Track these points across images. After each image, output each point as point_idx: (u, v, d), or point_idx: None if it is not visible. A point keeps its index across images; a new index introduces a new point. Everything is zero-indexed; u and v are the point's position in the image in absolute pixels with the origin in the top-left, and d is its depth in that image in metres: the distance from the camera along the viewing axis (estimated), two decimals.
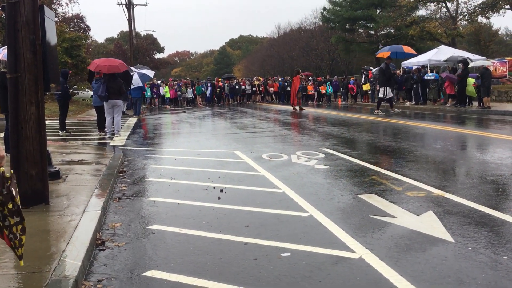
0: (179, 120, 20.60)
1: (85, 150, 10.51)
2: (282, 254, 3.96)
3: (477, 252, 3.89)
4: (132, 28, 43.92)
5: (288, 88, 33.22)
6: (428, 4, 39.03)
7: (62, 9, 40.05)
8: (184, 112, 26.62)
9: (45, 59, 5.79)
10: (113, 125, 14.02)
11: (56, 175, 6.79)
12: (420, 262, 3.71)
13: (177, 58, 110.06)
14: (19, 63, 5.27)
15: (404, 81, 24.22)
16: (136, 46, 52.01)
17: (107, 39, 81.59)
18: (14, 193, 2.79)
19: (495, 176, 6.75)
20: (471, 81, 20.30)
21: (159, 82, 36.13)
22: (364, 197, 5.77)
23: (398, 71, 26.18)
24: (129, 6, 43.25)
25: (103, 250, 4.22)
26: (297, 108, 23.78)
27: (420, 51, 31.96)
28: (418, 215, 4.96)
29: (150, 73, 24.09)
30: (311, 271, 3.60)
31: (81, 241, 4.11)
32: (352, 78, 34.31)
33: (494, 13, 34.17)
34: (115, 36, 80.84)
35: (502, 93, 23.26)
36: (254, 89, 37.10)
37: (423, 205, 5.31)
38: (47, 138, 6.02)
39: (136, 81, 21.48)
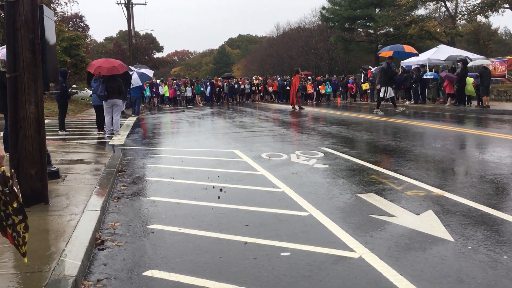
0: (178, 120, 20.59)
1: (84, 149, 10.50)
2: (282, 254, 3.96)
3: (477, 251, 3.89)
4: (131, 28, 43.89)
5: (288, 88, 33.24)
6: (427, 3, 39.03)
7: (61, 8, 40.07)
8: (183, 111, 26.61)
9: (44, 58, 5.78)
10: (112, 125, 14.01)
11: (56, 175, 6.78)
12: (420, 262, 3.71)
13: (176, 57, 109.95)
14: (18, 62, 5.26)
15: (403, 80, 24.22)
16: (135, 46, 51.97)
17: (106, 39, 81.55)
18: (17, 191, 2.80)
19: (494, 175, 6.75)
20: (470, 80, 20.31)
21: (158, 81, 36.10)
22: (363, 196, 5.77)
23: (397, 70, 26.18)
24: (128, 5, 43.21)
25: (102, 249, 4.21)
26: (297, 107, 23.77)
27: (419, 50, 31.87)
28: (417, 214, 4.96)
29: (150, 72, 24.10)
30: (311, 271, 3.60)
31: (80, 241, 4.11)
32: (351, 77, 34.32)
33: (493, 12, 34.14)
34: (114, 35, 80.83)
35: (501, 92, 23.28)
36: (253, 88, 37.10)
37: (422, 205, 5.31)
38: (46, 137, 6.01)
39: (135, 81, 21.49)
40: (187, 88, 35.28)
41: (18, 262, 3.71)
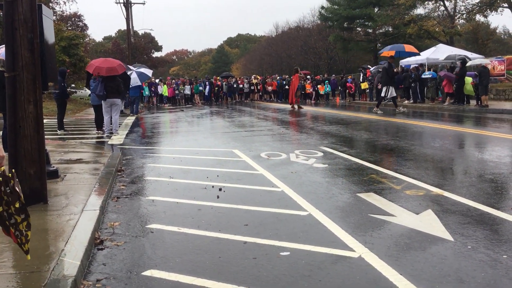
0: (177, 119, 20.58)
1: (83, 149, 10.49)
2: (282, 253, 3.96)
3: (477, 250, 3.89)
4: (130, 27, 43.83)
5: (287, 87, 33.24)
6: (426, 2, 39.06)
7: (60, 7, 39.97)
8: (182, 110, 26.60)
9: (43, 57, 5.76)
10: (111, 124, 14.00)
11: (54, 174, 6.77)
12: (419, 261, 3.71)
13: (175, 56, 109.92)
14: (17, 61, 5.25)
15: (402, 79, 24.24)
16: (134, 45, 51.90)
17: (105, 38, 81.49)
18: (19, 192, 2.81)
19: (493, 174, 6.75)
20: (469, 79, 20.32)
21: (157, 80, 36.07)
22: (363, 195, 5.77)
23: (395, 70, 26.19)
24: (127, 5, 43.15)
25: (102, 249, 4.20)
26: (296, 106, 23.76)
27: (418, 49, 31.93)
28: (417, 213, 4.96)
29: (148, 72, 24.08)
30: (310, 270, 3.60)
31: (79, 241, 4.10)
32: (350, 77, 34.32)
33: (492, 11, 34.20)
34: (113, 34, 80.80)
35: (500, 92, 23.29)
36: (252, 87, 37.09)
37: (422, 204, 5.31)
38: (45, 137, 6.00)
39: (134, 80, 21.47)
40: (186, 86, 35.25)
41: (17, 262, 3.70)
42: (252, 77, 39.25)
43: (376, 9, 45.45)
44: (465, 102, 20.97)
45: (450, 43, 36.62)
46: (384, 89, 19.73)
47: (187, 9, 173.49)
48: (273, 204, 5.51)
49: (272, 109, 25.44)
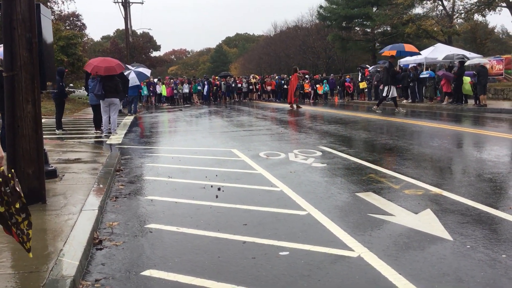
0: (175, 118, 20.56)
1: (82, 148, 10.48)
2: (281, 253, 3.95)
3: (476, 250, 3.89)
4: (129, 26, 43.83)
5: (285, 86, 33.24)
6: (424, 2, 39.10)
7: (58, 7, 39.83)
8: (181, 110, 26.58)
9: (41, 57, 5.75)
10: (109, 124, 13.98)
11: (53, 174, 6.76)
12: (418, 261, 3.71)
13: (173, 56, 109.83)
14: (15, 61, 5.24)
15: (400, 79, 24.26)
16: (133, 44, 51.87)
17: (103, 37, 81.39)
18: (19, 192, 2.81)
19: (492, 174, 6.76)
20: (467, 79, 20.34)
21: (155, 80, 36.03)
22: (362, 195, 5.77)
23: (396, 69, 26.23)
24: (125, 4, 43.13)
25: (100, 249, 4.19)
26: (294, 106, 23.76)
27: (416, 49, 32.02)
28: (416, 213, 4.96)
29: (147, 71, 24.06)
30: (309, 270, 3.59)
31: (78, 240, 4.09)
32: (348, 76, 34.33)
33: (490, 11, 34.23)
34: (111, 34, 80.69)
35: (498, 91, 23.31)
36: (250, 87, 37.08)
37: (421, 203, 5.31)
38: (44, 136, 5.99)
39: (133, 80, 21.45)
40: (184, 85, 35.21)
41: (16, 262, 3.70)
42: (251, 77, 39.23)
43: (374, 9, 45.46)
44: (463, 102, 20.99)
45: (449, 42, 36.65)
46: (386, 88, 19.75)
47: (186, 9, 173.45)
48: (272, 204, 5.50)
49: (271, 108, 25.44)
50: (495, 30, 60.82)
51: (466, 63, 21.74)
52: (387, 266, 3.60)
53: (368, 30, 49.06)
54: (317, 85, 34.51)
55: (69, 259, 3.65)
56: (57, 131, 14.37)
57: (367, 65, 34.00)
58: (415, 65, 24.64)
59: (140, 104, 30.70)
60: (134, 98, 23.62)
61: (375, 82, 26.97)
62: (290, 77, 25.69)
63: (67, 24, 42.17)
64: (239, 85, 36.91)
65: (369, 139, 11.16)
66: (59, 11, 39.74)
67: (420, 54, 23.50)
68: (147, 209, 5.52)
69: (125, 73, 19.53)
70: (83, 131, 15.33)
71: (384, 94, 19.90)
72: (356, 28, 51.11)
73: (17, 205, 2.80)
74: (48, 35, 6.34)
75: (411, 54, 22.87)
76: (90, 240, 4.21)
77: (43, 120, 5.99)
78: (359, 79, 30.92)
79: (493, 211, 4.94)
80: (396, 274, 3.46)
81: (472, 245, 3.99)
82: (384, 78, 20.03)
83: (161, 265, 3.78)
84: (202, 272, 3.62)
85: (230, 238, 4.37)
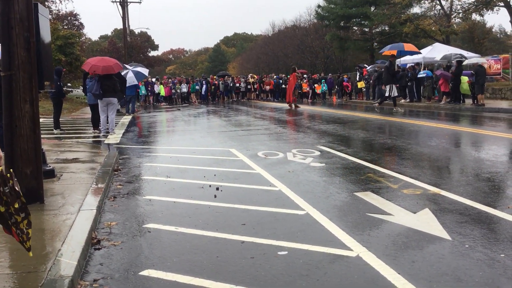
0: (174, 118, 20.54)
1: (80, 148, 10.46)
2: (279, 253, 3.95)
3: (474, 249, 3.89)
4: (126, 26, 43.77)
5: (283, 86, 33.24)
6: (422, 1, 39.15)
7: (56, 6, 39.92)
8: (179, 110, 26.56)
9: (39, 56, 5.74)
10: (107, 123, 13.97)
11: (51, 174, 6.75)
12: (417, 260, 3.71)
13: (171, 55, 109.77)
14: (13, 61, 5.22)
15: (399, 78, 24.27)
16: (130, 44, 51.82)
17: (101, 37, 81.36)
18: (18, 191, 2.80)
19: (490, 173, 6.77)
20: (465, 79, 20.36)
21: (153, 80, 36.00)
22: (360, 195, 5.77)
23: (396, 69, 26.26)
24: (123, 4, 43.07)
25: (99, 249, 4.18)
26: (293, 105, 23.76)
27: None
28: (414, 212, 4.96)
29: (145, 71, 24.03)
30: (308, 270, 3.59)
31: (76, 240, 4.08)
32: (346, 76, 34.34)
33: (488, 10, 34.27)
34: (109, 33, 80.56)
35: (496, 91, 23.34)
36: (248, 86, 37.07)
37: (419, 203, 5.32)
38: (41, 136, 5.97)
39: (131, 79, 21.42)
40: (182, 85, 35.19)
41: (14, 262, 3.69)
42: (249, 76, 39.26)
43: (372, 8, 45.49)
44: (461, 101, 21.01)
45: (446, 42, 36.67)
46: (387, 88, 19.79)
47: (184, 8, 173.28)
48: (270, 203, 5.50)
49: (269, 108, 25.43)
50: (493, 30, 60.91)
51: (464, 63, 21.76)
52: (386, 266, 3.60)
53: (366, 29, 49.08)
54: (315, 85, 34.53)
55: (67, 259, 3.64)
56: (55, 131, 14.35)
57: (365, 65, 34.01)
58: (413, 64, 24.66)
59: (138, 104, 30.68)
60: (132, 98, 23.59)
61: (371, 81, 26.99)
62: (289, 76, 25.69)
63: (65, 23, 42.12)
64: (237, 84, 36.93)
65: (368, 138, 11.16)
66: (57, 10, 39.75)
67: (420, 53, 23.49)
68: (145, 208, 5.51)
69: (123, 73, 19.53)
70: (81, 131, 15.30)
71: (387, 94, 19.95)
72: (354, 27, 51.12)
73: (16, 205, 2.80)
74: (46, 34, 6.32)
75: (411, 53, 22.84)
76: (88, 240, 4.20)
77: (41, 120, 5.98)
78: (357, 79, 30.92)
79: (491, 210, 4.95)
80: (395, 274, 3.46)
81: (470, 245, 3.99)
82: (385, 78, 20.05)
83: (159, 265, 3.78)
84: (200, 272, 3.61)
85: (228, 237, 4.37)
